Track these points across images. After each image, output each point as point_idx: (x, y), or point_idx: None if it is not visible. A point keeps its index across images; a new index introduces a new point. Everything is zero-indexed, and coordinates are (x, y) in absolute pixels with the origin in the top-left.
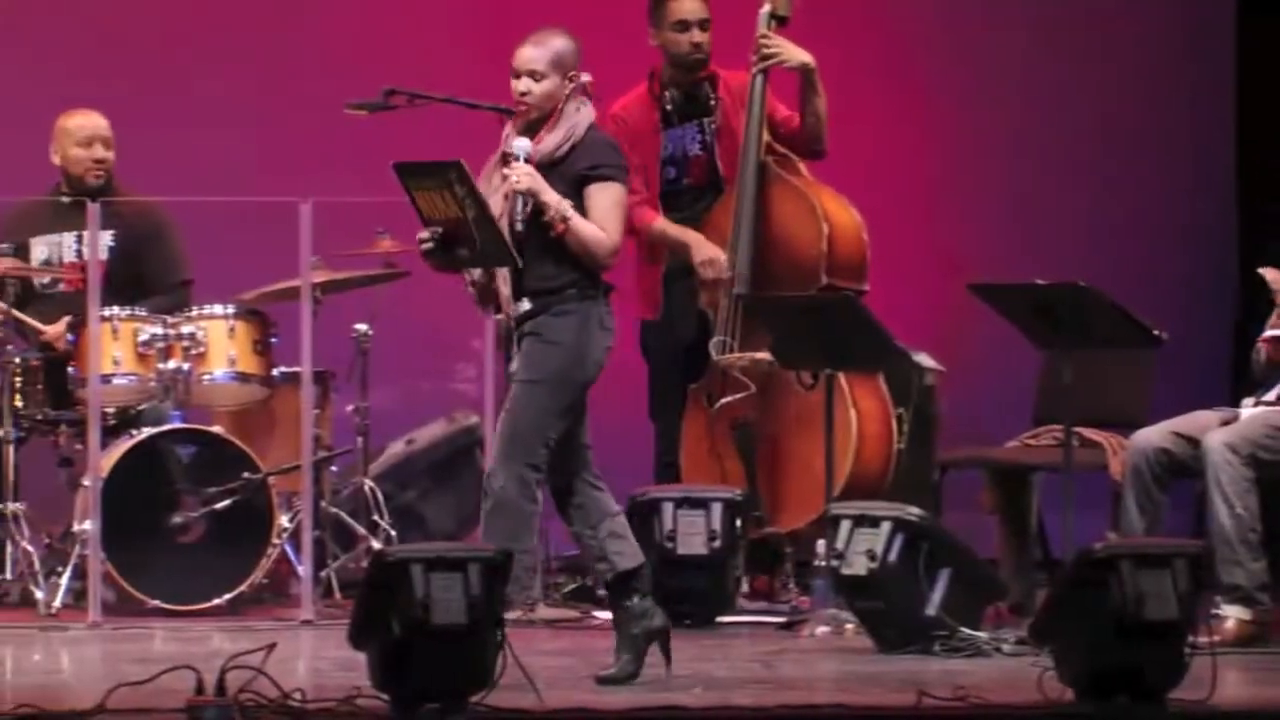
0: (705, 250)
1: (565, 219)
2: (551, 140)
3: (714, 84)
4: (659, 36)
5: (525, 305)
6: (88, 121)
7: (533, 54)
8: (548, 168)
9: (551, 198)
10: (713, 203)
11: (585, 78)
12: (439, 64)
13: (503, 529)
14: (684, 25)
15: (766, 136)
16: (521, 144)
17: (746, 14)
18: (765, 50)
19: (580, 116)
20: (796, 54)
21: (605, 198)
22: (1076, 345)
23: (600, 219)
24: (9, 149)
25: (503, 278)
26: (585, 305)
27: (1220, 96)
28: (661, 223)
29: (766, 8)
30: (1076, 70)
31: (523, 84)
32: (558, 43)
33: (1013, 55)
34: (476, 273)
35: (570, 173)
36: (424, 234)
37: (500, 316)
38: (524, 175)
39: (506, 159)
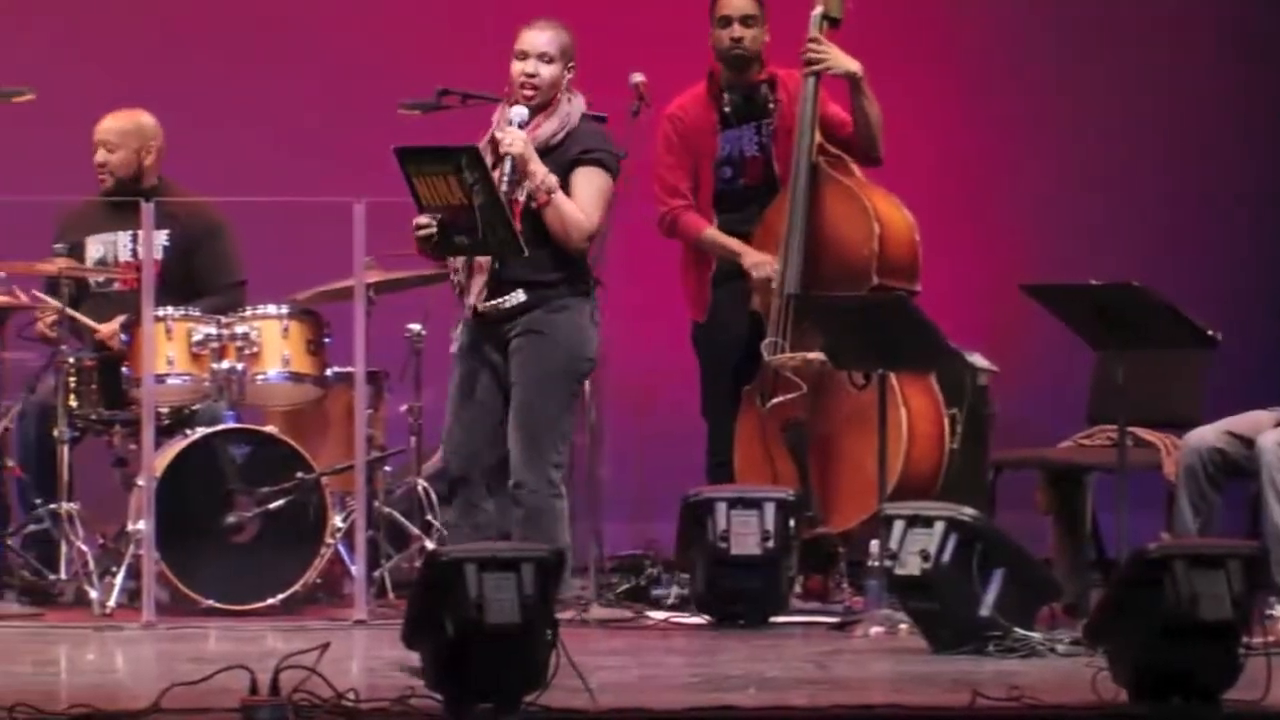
0: (752, 255)
1: (550, 191)
2: (548, 127)
3: (774, 86)
4: (713, 36)
5: (519, 296)
6: (99, 126)
7: (546, 38)
8: (542, 154)
9: (539, 168)
10: (768, 203)
11: (639, 77)
12: (492, 62)
13: (539, 535)
14: (726, 20)
15: (819, 138)
16: (518, 110)
17: (803, 14)
18: (811, 56)
19: (573, 107)
20: (843, 61)
21: (591, 181)
22: (1130, 345)
23: (583, 201)
24: (63, 149)
25: (478, 266)
26: (578, 301)
27: (1273, 93)
28: (710, 231)
29: (818, 9)
30: (1129, 66)
31: (531, 65)
32: (565, 32)
33: (1066, 51)
34: (459, 263)
35: (563, 159)
36: (422, 219)
37: (487, 305)
38: (516, 139)
39: (498, 143)
